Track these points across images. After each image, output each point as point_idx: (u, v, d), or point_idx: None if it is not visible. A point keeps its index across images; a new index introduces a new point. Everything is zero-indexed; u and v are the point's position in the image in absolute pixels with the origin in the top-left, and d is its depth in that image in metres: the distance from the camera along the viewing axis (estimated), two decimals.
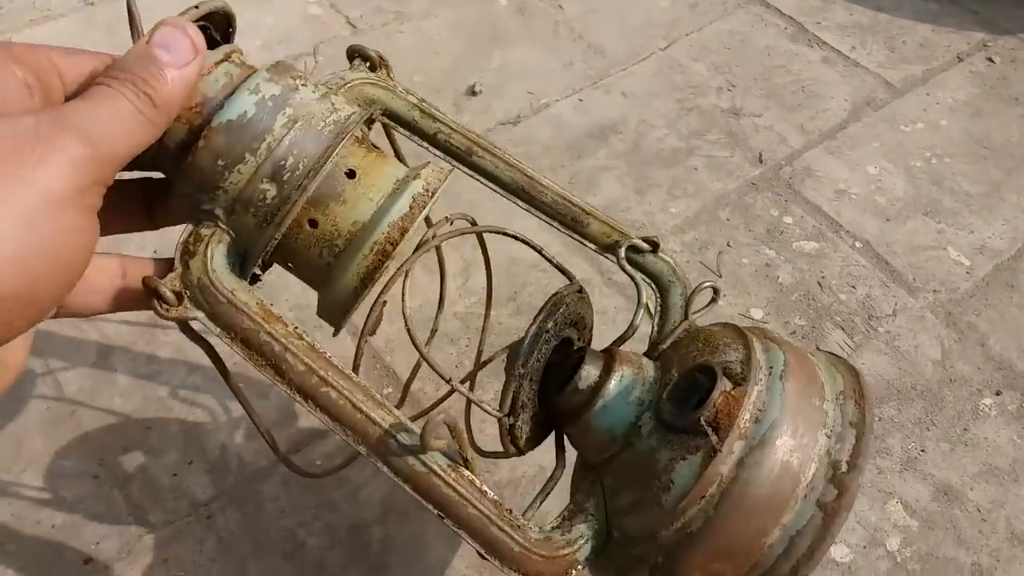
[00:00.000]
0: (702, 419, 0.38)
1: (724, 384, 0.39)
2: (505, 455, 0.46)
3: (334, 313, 0.41)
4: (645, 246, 0.49)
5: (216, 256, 0.38)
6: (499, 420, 0.43)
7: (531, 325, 0.44)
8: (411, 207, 0.39)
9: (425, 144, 0.48)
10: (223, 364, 0.42)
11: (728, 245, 0.85)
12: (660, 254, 0.49)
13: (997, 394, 0.75)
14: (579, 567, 0.41)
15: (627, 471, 0.41)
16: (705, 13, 1.10)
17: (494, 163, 0.49)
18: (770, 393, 0.39)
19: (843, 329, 0.78)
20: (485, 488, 0.38)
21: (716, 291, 0.47)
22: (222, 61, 0.38)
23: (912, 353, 0.77)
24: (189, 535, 0.64)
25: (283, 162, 0.37)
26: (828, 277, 0.82)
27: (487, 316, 0.58)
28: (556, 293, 0.46)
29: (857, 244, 0.85)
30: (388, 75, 0.48)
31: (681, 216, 0.87)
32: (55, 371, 0.72)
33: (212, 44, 0.38)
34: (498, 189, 0.49)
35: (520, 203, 0.49)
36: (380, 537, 0.64)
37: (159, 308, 0.37)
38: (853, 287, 0.82)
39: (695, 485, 0.37)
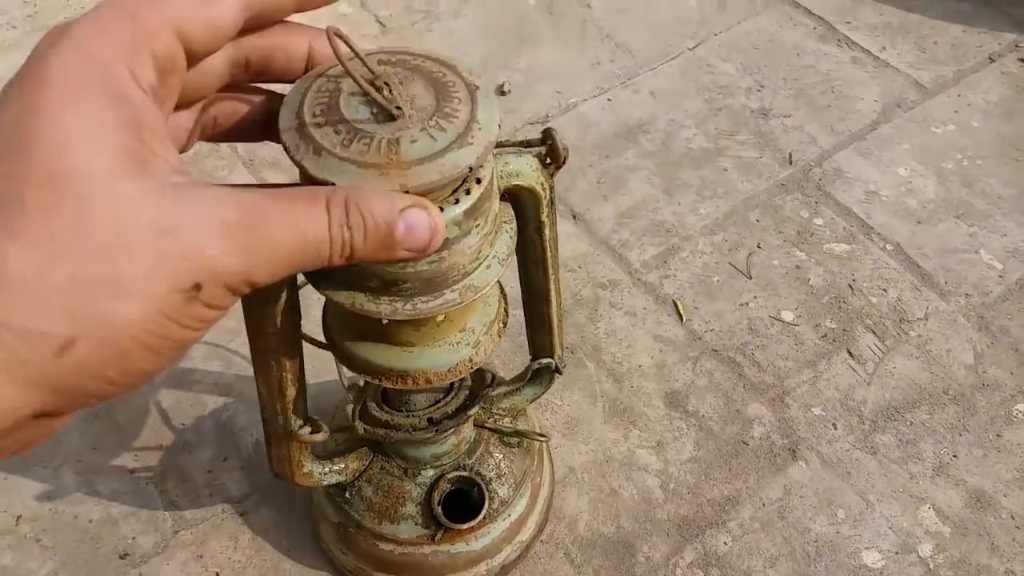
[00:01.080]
0: (446, 526, 0.55)
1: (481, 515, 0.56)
2: None
3: (346, 360, 0.47)
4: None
5: None
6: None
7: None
8: (449, 369, 0.44)
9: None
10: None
11: (758, 247, 0.84)
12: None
13: None
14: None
15: (381, 482, 0.57)
16: (734, 12, 1.09)
17: None
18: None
19: (874, 332, 0.78)
20: None
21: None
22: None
23: (944, 357, 0.77)
24: (224, 531, 0.64)
25: None
26: (859, 280, 0.82)
27: None
28: None
29: (888, 246, 0.85)
30: (555, 171, 0.43)
31: (711, 217, 0.87)
32: None
33: None
34: None
35: None
36: None
37: None
38: (884, 290, 0.81)
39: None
